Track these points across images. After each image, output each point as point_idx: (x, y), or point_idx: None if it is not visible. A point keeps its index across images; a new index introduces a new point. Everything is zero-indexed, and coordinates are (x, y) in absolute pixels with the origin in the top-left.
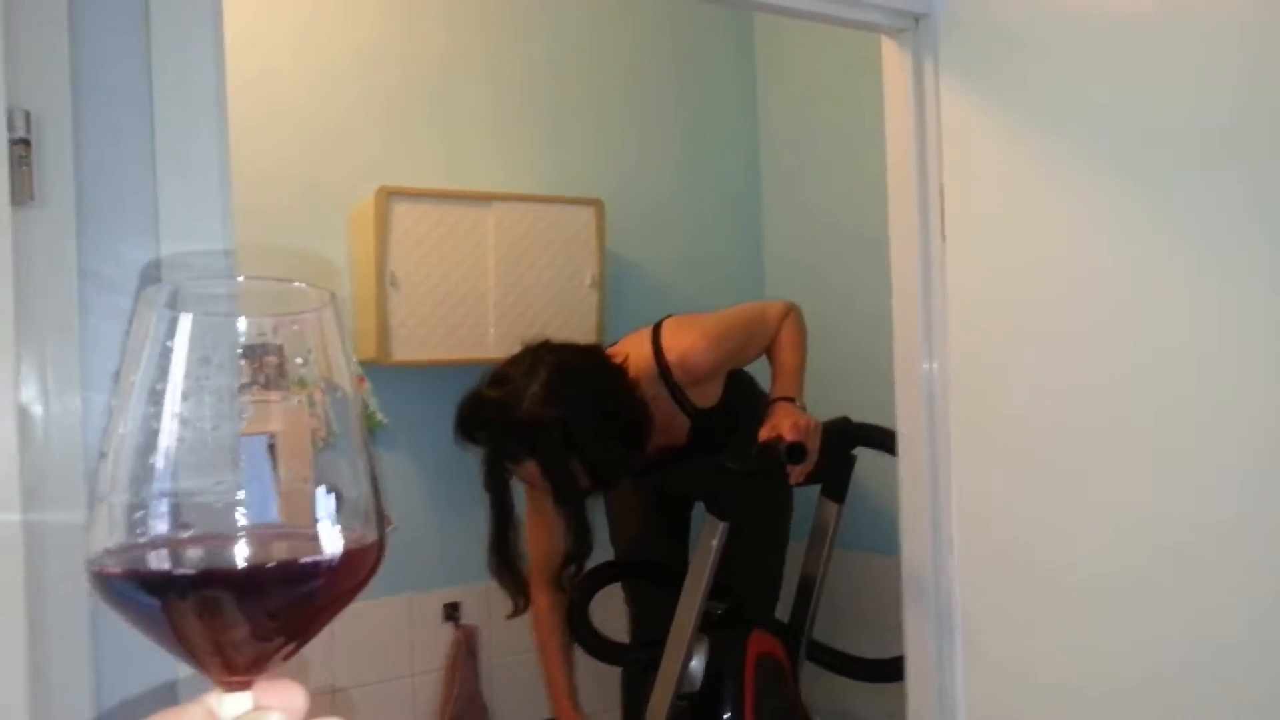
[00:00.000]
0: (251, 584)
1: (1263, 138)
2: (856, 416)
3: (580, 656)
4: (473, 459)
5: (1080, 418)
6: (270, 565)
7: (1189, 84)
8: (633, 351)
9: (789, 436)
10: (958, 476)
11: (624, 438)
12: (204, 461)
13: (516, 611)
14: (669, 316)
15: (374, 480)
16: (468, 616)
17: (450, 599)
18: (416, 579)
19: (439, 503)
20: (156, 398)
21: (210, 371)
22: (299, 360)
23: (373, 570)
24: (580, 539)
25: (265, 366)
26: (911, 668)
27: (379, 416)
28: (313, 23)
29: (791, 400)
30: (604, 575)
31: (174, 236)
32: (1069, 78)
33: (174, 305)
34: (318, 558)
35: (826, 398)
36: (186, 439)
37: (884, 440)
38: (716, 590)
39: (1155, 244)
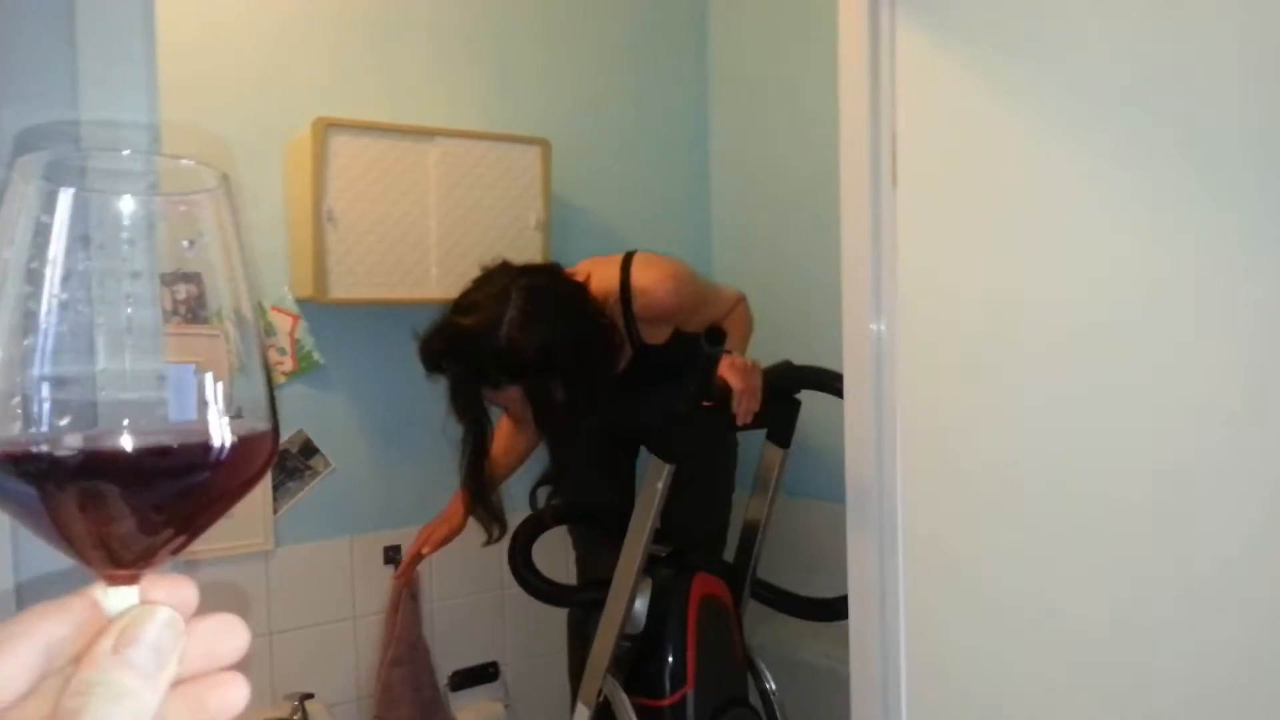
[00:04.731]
0: (137, 471)
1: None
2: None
3: (526, 602)
4: (412, 400)
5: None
6: (157, 450)
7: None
8: (597, 273)
9: (725, 374)
10: (903, 408)
11: (598, 356)
12: (85, 348)
13: (491, 540)
14: (638, 251)
15: (267, 373)
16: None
17: (391, 542)
18: (357, 522)
19: (378, 445)
20: (34, 277)
21: (92, 252)
22: (185, 243)
23: (267, 463)
24: (557, 461)
25: (187, 298)
26: (854, 602)
27: (315, 356)
28: None
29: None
30: (548, 518)
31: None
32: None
33: (52, 178)
34: (209, 444)
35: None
36: (67, 322)
37: (829, 382)
38: (662, 536)
39: (1143, 198)
